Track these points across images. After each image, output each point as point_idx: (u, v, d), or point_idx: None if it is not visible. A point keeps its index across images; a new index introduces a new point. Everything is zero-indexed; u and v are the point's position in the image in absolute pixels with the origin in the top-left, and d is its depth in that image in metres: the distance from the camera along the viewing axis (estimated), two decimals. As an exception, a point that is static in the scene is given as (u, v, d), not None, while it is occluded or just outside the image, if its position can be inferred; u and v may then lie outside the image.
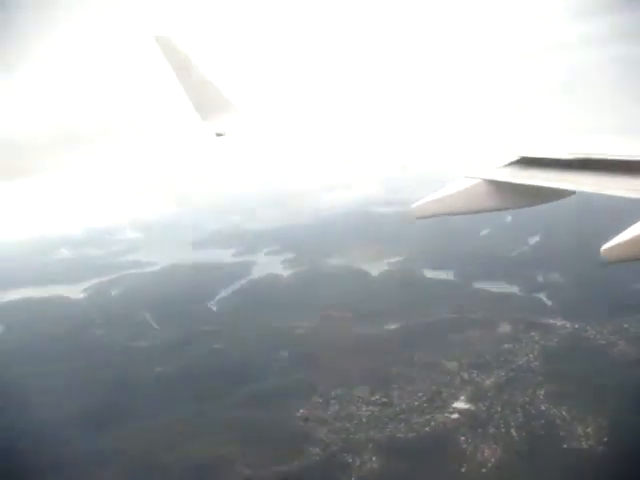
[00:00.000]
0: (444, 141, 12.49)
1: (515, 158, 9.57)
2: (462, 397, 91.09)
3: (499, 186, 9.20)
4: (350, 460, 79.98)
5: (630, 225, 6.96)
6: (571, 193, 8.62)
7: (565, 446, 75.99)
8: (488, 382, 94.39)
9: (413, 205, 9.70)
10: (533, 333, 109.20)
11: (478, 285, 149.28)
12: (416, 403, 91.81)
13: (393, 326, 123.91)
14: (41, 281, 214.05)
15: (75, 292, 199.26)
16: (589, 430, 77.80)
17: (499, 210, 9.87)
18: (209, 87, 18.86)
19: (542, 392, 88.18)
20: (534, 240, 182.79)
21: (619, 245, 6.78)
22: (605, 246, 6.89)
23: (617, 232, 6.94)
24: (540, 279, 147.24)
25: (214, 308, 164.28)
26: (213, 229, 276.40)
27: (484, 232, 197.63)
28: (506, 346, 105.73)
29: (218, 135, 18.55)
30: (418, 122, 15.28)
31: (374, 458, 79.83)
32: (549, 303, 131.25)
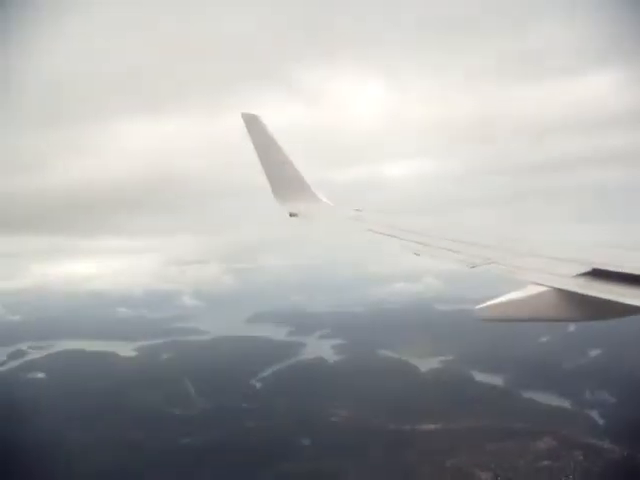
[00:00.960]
0: (514, 246, 12.12)
1: (587, 269, 9.15)
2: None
3: (568, 296, 8.70)
4: None
5: None
6: None
7: None
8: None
9: (477, 307, 9.11)
10: (577, 453, 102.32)
11: (527, 394, 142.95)
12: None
13: (431, 426, 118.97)
14: (95, 335, 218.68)
15: (126, 350, 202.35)
16: None
17: (566, 321, 9.39)
18: (288, 169, 19.23)
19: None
20: (595, 353, 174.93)
21: None
22: None
23: None
24: (595, 396, 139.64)
25: (257, 385, 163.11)
26: (273, 306, 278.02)
27: (543, 339, 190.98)
28: (545, 463, 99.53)
29: (292, 215, 18.57)
30: (491, 227, 15.24)
31: None
32: (600, 422, 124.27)
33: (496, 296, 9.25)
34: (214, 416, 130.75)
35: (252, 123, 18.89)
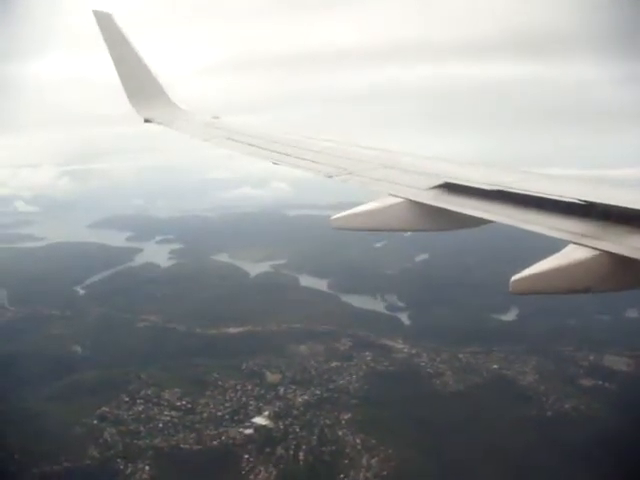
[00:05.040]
0: (370, 157, 12.31)
1: (439, 182, 9.65)
2: (266, 412, 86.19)
3: (421, 208, 9.18)
4: (122, 467, 74.61)
5: (539, 260, 6.87)
6: (488, 222, 8.52)
7: (342, 476, 71.69)
8: (300, 399, 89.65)
9: (333, 217, 9.31)
10: (367, 353, 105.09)
11: (346, 298, 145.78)
12: (219, 413, 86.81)
13: (237, 330, 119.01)
14: None
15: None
16: (374, 461, 73.65)
17: (418, 231, 9.66)
18: (144, 73, 18.25)
19: (347, 417, 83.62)
20: (421, 259, 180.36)
21: (526, 278, 6.73)
22: (514, 277, 6.76)
23: (523, 265, 6.74)
24: (408, 298, 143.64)
25: (80, 292, 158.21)
26: (114, 211, 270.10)
27: (378, 244, 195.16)
28: (335, 364, 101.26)
29: (146, 121, 18.11)
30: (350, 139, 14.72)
31: (147, 468, 74.43)
32: (407, 324, 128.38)
33: (348, 203, 9.67)
34: (23, 324, 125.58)
35: (105, 22, 17.29)
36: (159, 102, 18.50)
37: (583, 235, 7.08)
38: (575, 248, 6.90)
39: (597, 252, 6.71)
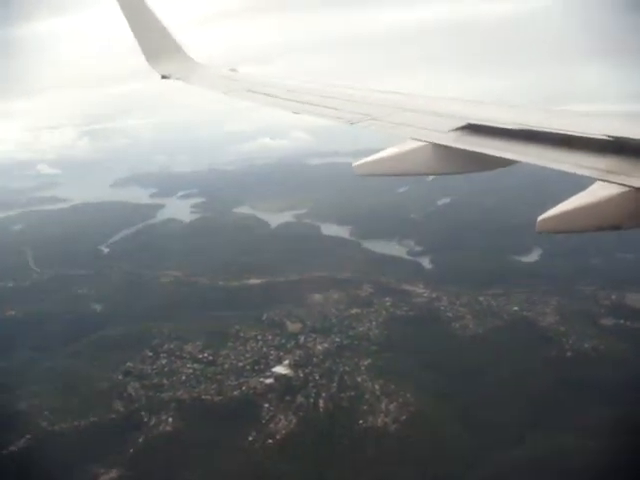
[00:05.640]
0: (391, 101, 12.19)
1: (462, 124, 9.56)
2: (286, 362, 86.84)
3: (445, 151, 9.10)
4: (146, 419, 75.95)
5: (565, 199, 6.82)
6: (512, 162, 8.53)
7: (360, 422, 71.84)
8: (320, 347, 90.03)
9: (355, 163, 9.23)
10: (388, 299, 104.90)
11: (367, 244, 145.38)
12: (240, 364, 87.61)
13: (257, 281, 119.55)
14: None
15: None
16: (392, 407, 73.92)
17: (443, 174, 9.51)
18: (159, 30, 18.12)
19: (366, 363, 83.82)
20: (443, 202, 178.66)
21: (552, 217, 6.68)
22: (541, 216, 6.74)
23: (546, 206, 6.74)
24: (430, 243, 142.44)
25: (105, 250, 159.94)
26: (136, 168, 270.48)
27: (401, 190, 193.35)
28: (355, 311, 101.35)
29: (163, 77, 18.00)
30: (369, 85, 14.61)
31: (170, 419, 75.66)
32: (428, 268, 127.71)
33: (370, 150, 9.49)
34: (48, 285, 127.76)
35: None
36: (175, 57, 18.30)
37: (610, 172, 6.94)
38: (602, 185, 6.76)
39: (625, 188, 6.58)
